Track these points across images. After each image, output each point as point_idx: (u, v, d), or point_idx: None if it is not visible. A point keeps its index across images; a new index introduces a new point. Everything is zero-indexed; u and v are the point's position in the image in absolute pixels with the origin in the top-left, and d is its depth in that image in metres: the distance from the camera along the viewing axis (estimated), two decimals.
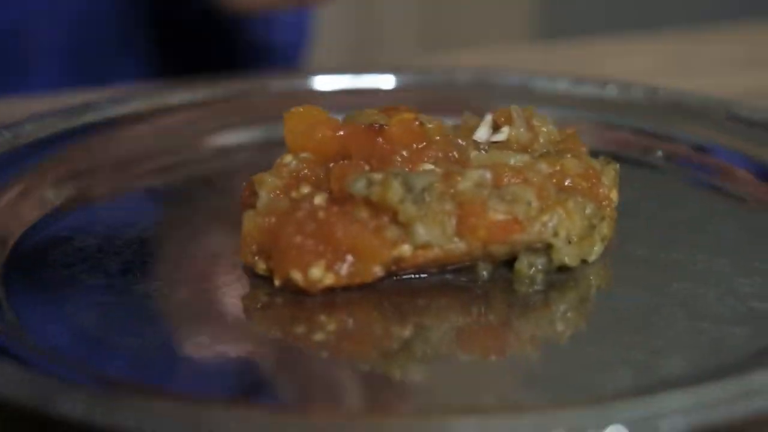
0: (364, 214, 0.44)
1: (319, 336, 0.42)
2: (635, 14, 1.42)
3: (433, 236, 0.44)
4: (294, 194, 0.46)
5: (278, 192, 0.46)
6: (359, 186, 0.44)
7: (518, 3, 1.60)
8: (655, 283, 0.45)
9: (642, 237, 0.49)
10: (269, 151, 0.58)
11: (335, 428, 0.34)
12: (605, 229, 0.47)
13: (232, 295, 0.45)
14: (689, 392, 0.35)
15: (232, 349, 0.41)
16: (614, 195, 0.49)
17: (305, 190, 0.46)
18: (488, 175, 0.45)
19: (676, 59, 0.83)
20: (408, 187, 0.43)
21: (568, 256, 0.45)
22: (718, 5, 1.48)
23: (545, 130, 0.50)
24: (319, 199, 0.44)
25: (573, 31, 1.16)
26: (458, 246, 0.44)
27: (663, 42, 0.88)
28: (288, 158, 0.47)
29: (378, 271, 0.44)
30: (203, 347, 0.41)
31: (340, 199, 0.44)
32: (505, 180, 0.45)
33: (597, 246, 0.46)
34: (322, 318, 0.43)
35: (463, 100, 0.62)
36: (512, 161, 0.46)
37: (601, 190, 0.48)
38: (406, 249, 0.44)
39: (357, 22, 1.53)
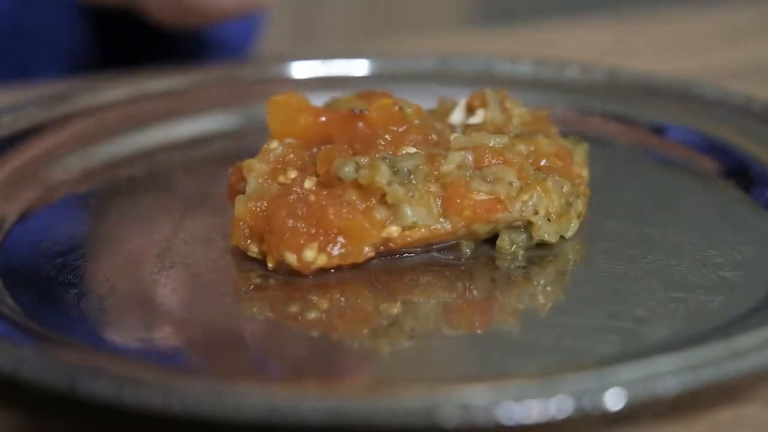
0: (353, 196, 0.45)
1: (312, 314, 0.44)
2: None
3: (420, 217, 0.46)
4: (281, 179, 0.47)
5: (266, 177, 0.47)
6: (348, 170, 0.45)
7: None
8: (630, 256, 0.47)
9: (613, 213, 0.51)
10: (245, 138, 0.60)
11: (329, 399, 0.35)
12: (580, 206, 0.49)
13: (226, 277, 0.46)
14: (679, 355, 0.37)
15: (232, 328, 0.43)
16: (585, 173, 0.51)
17: (292, 174, 0.47)
18: (470, 156, 0.47)
19: (618, 41, 0.86)
20: (395, 170, 0.45)
21: (547, 233, 0.47)
22: None
23: (518, 112, 0.51)
24: (309, 183, 0.46)
25: (507, 16, 1.18)
26: (443, 226, 0.46)
27: (607, 24, 0.91)
28: (274, 144, 0.48)
29: (368, 251, 0.46)
30: (205, 327, 0.42)
31: (328, 182, 0.46)
32: (486, 161, 0.47)
33: (573, 222, 0.48)
34: (315, 298, 0.45)
35: (426, 84, 0.64)
36: (491, 143, 0.48)
37: (574, 169, 0.50)
38: (394, 230, 0.46)
39: (296, 8, 1.54)
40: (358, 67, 0.67)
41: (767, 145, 0.55)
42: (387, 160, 0.45)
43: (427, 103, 0.53)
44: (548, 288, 0.46)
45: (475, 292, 0.46)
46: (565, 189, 0.48)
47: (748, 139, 0.56)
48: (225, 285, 0.46)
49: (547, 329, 0.42)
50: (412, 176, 0.45)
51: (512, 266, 0.47)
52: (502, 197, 0.46)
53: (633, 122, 0.61)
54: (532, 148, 0.49)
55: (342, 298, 0.45)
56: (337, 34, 1.54)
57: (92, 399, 0.35)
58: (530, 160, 0.48)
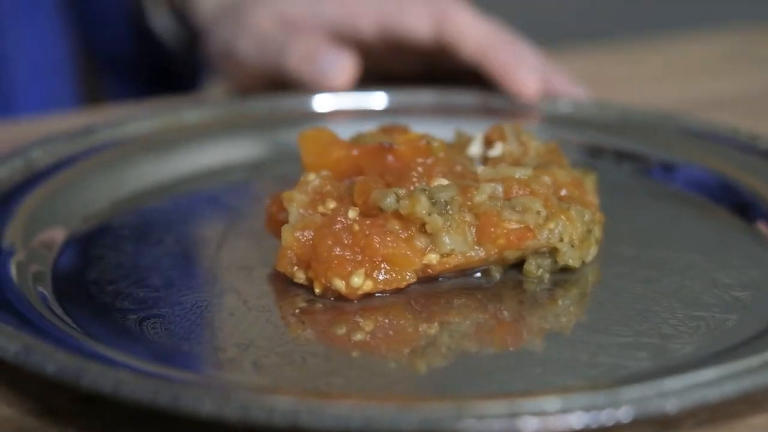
0: (395, 226, 0.49)
1: (359, 335, 0.47)
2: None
3: (457, 244, 0.49)
4: (321, 209, 0.50)
5: (306, 207, 0.50)
6: (389, 201, 0.49)
7: None
8: (645, 278, 0.51)
9: (624, 238, 0.55)
10: (263, 168, 0.64)
11: (378, 412, 0.38)
12: (597, 232, 0.52)
13: (276, 302, 0.49)
14: (720, 367, 0.41)
15: (287, 349, 0.45)
16: (596, 201, 0.55)
17: (331, 205, 0.50)
18: (500, 188, 0.50)
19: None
20: (433, 201, 0.49)
21: (571, 258, 0.51)
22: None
23: (533, 144, 0.55)
24: (352, 214, 0.49)
25: None
26: (478, 253, 0.50)
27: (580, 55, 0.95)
28: (311, 176, 0.51)
29: (410, 277, 0.49)
30: (265, 348, 0.45)
31: (367, 212, 0.49)
32: (514, 192, 0.51)
33: (593, 248, 0.52)
34: (360, 320, 0.48)
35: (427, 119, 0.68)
36: (518, 175, 0.51)
37: (587, 198, 0.54)
38: (433, 257, 0.49)
39: None
40: (375, 100, 0.70)
41: None
42: (426, 192, 0.49)
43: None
44: (574, 308, 0.50)
45: (506, 312, 0.49)
46: (587, 217, 0.51)
47: (753, 175, 0.60)
48: (276, 309, 0.49)
49: (581, 347, 0.46)
50: (448, 206, 0.49)
51: (538, 289, 0.50)
52: (531, 226, 0.50)
53: (631, 155, 0.65)
54: (550, 180, 0.52)
55: (385, 320, 0.48)
56: None
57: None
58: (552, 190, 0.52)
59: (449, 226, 0.49)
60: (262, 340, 0.46)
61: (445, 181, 0.51)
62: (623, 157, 0.65)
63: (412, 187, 0.50)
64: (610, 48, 0.98)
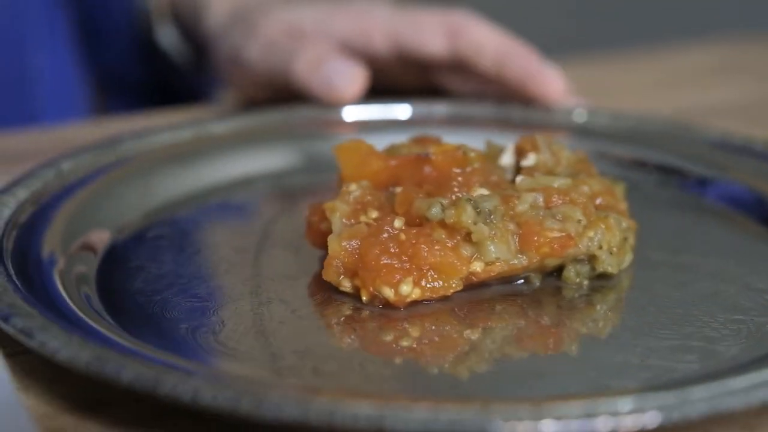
0: (442, 234, 0.50)
1: (406, 342, 0.48)
2: None
3: (501, 253, 0.50)
4: (363, 218, 0.51)
5: (349, 217, 0.51)
6: (435, 211, 0.49)
7: None
8: (680, 282, 0.52)
9: (653, 244, 0.56)
10: (286, 178, 0.64)
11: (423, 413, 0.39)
12: (632, 239, 0.54)
13: (323, 310, 0.50)
14: None
15: (343, 355, 0.46)
16: (626, 209, 0.56)
17: (373, 214, 0.51)
18: (541, 198, 0.51)
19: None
20: (478, 210, 0.50)
21: (610, 265, 0.52)
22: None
23: (565, 154, 0.56)
24: (398, 223, 0.50)
25: None
26: (520, 261, 0.51)
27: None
28: (353, 187, 0.52)
29: (456, 285, 0.50)
30: (316, 356, 0.46)
31: (410, 221, 0.50)
32: (553, 201, 0.52)
33: (628, 255, 0.53)
34: (407, 326, 0.49)
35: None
36: (556, 184, 0.52)
37: (620, 206, 0.55)
38: (478, 265, 0.50)
39: None
40: (406, 111, 0.71)
41: None
42: (471, 202, 0.50)
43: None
44: (614, 313, 0.51)
45: (547, 318, 0.50)
46: (624, 225, 0.53)
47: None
48: (325, 317, 0.49)
49: (630, 350, 0.47)
50: (492, 216, 0.50)
51: (577, 295, 0.51)
52: (573, 234, 0.51)
53: (652, 165, 0.66)
54: (588, 189, 0.54)
55: (433, 327, 0.49)
56: None
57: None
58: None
59: (494, 234, 0.50)
60: (318, 347, 0.47)
61: (485, 191, 0.52)
62: (642, 166, 0.66)
63: (453, 197, 0.51)
64: (602, 59, 1.00)
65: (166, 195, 0.61)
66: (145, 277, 0.52)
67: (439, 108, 0.71)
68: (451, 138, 0.59)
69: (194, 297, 0.51)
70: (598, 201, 0.54)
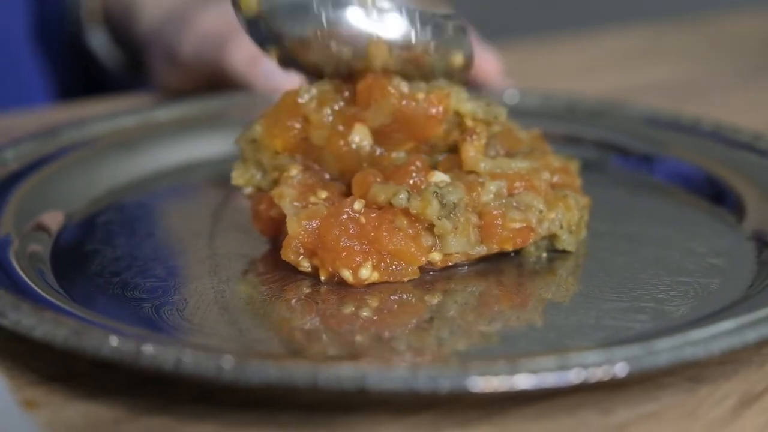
0: (404, 222, 0.50)
1: (366, 312, 0.49)
2: None
3: (461, 246, 0.51)
4: (313, 199, 0.52)
5: (298, 200, 0.52)
6: (401, 199, 0.50)
7: None
8: (626, 250, 0.54)
9: (597, 216, 0.58)
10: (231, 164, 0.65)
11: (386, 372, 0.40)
12: (586, 216, 0.55)
13: (283, 287, 0.50)
14: (735, 319, 0.44)
15: (310, 327, 0.47)
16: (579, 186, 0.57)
17: (323, 194, 0.52)
18: (504, 186, 0.52)
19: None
20: (443, 203, 0.50)
21: (569, 244, 0.53)
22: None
23: (521, 134, 0.57)
24: (358, 205, 0.50)
25: None
26: (479, 250, 0.52)
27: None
28: (293, 171, 0.53)
29: (413, 272, 0.51)
30: (283, 329, 0.47)
31: (369, 204, 0.51)
32: (515, 187, 0.52)
33: (584, 231, 0.55)
34: (368, 298, 0.49)
35: None
36: (516, 166, 0.53)
37: (575, 183, 0.56)
38: (436, 256, 0.51)
39: None
40: None
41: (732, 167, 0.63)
42: (437, 195, 0.50)
43: None
44: (571, 279, 0.52)
45: (506, 284, 0.51)
46: (581, 203, 0.54)
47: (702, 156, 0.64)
48: (285, 293, 0.50)
49: (584, 313, 0.48)
50: (457, 209, 0.50)
51: (534, 263, 0.53)
52: (533, 224, 0.52)
53: (579, 141, 0.68)
54: (537, 165, 0.55)
55: (390, 296, 0.50)
56: None
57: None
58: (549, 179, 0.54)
59: (456, 229, 0.51)
60: (282, 321, 0.47)
61: (446, 177, 0.52)
62: (578, 143, 0.68)
63: (411, 182, 0.51)
64: (527, 45, 1.02)
65: (112, 181, 0.61)
66: (101, 261, 0.53)
67: None
68: None
69: (153, 277, 0.51)
70: (555, 178, 0.55)
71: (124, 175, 0.62)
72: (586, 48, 1.01)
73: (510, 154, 0.55)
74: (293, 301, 0.49)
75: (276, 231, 0.54)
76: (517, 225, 0.52)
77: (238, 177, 0.55)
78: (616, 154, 0.67)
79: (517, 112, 0.70)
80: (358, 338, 0.46)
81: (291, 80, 0.69)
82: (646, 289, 0.50)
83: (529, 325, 0.48)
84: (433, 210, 0.50)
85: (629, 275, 0.52)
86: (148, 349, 0.40)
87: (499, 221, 0.51)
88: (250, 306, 0.49)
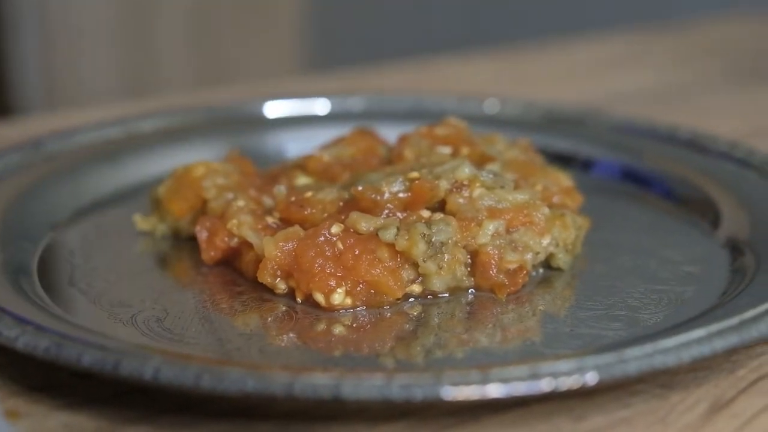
0: (385, 254, 0.50)
1: (339, 329, 0.49)
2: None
3: (445, 283, 0.51)
4: (270, 220, 0.53)
5: (255, 225, 0.52)
6: (389, 235, 0.50)
7: (280, 38, 1.68)
8: (604, 258, 0.55)
9: None
10: None
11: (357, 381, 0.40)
12: (582, 235, 0.55)
13: (262, 297, 0.51)
14: (707, 327, 0.44)
15: (285, 338, 0.48)
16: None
17: (271, 219, 0.53)
18: (503, 226, 0.51)
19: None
20: (429, 243, 0.50)
21: (565, 262, 0.54)
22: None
23: (499, 148, 0.58)
24: (336, 229, 0.50)
25: (336, 62, 1.26)
26: (466, 282, 0.51)
27: (487, 60, 1.00)
28: (240, 203, 0.54)
29: (390, 301, 0.50)
30: (261, 338, 0.47)
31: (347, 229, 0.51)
32: (515, 224, 0.52)
33: (579, 249, 0.55)
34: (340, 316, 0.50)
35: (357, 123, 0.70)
36: (512, 198, 0.52)
37: (575, 203, 0.57)
38: (416, 288, 0.51)
39: (130, 58, 1.57)
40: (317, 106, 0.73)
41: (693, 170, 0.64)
42: (424, 236, 0.50)
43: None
44: (547, 287, 0.53)
45: (482, 295, 0.51)
46: (578, 222, 0.54)
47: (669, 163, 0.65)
48: (265, 303, 0.51)
49: (560, 321, 0.49)
50: (443, 248, 0.50)
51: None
52: (528, 266, 0.52)
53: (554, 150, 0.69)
54: (539, 188, 0.55)
55: (366, 313, 0.50)
56: (171, 84, 1.58)
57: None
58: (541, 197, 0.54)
59: (440, 269, 0.50)
60: (261, 330, 0.48)
61: (436, 215, 0.51)
62: (553, 154, 0.68)
63: (386, 214, 0.51)
64: (516, 51, 1.03)
65: (96, 192, 0.62)
66: (84, 271, 0.53)
67: (357, 102, 0.73)
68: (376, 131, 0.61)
69: (135, 288, 0.52)
70: (554, 199, 0.55)
71: (109, 186, 0.63)
72: (570, 54, 1.02)
73: (485, 163, 0.55)
74: (272, 311, 0.50)
75: (230, 256, 0.54)
76: (513, 266, 0.51)
77: (141, 223, 0.58)
78: (594, 162, 0.67)
79: (497, 121, 0.71)
80: (336, 348, 0.47)
81: None
82: (621, 297, 0.51)
83: (504, 333, 0.48)
84: (418, 251, 0.50)
85: (605, 283, 0.52)
86: (127, 359, 0.41)
87: (494, 261, 0.51)
88: (230, 315, 0.50)
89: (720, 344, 0.43)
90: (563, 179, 0.57)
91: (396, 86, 0.85)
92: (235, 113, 0.70)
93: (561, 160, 0.67)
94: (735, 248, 0.56)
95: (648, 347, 0.43)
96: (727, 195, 0.61)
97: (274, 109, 0.72)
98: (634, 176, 0.65)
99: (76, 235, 0.58)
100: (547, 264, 0.54)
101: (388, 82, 0.92)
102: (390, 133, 0.62)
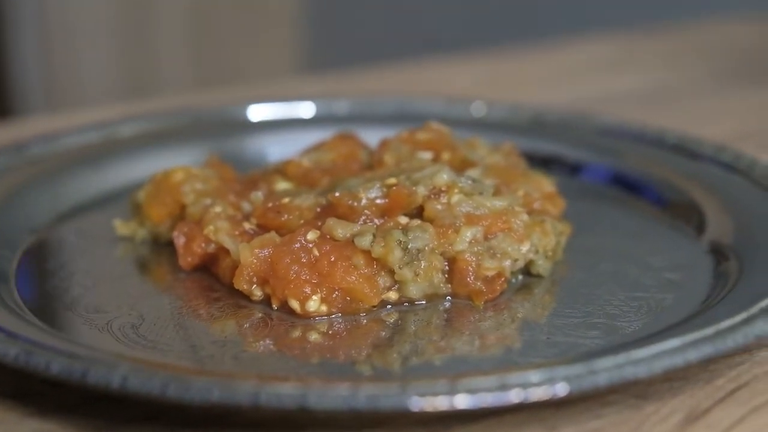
0: (360, 260, 0.50)
1: (314, 336, 0.49)
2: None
3: (422, 290, 0.50)
4: (248, 226, 0.53)
5: (232, 232, 0.52)
6: (365, 241, 0.50)
7: (280, 38, 1.68)
8: (585, 265, 0.55)
9: None
10: None
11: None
12: (563, 241, 0.55)
13: (237, 306, 0.51)
14: (684, 337, 0.44)
15: (260, 345, 0.47)
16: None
17: (248, 226, 0.53)
18: (481, 232, 0.51)
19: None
20: (406, 250, 0.50)
21: (544, 269, 0.53)
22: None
23: (482, 153, 0.58)
24: (312, 235, 0.50)
25: (335, 63, 1.25)
26: (443, 289, 0.51)
27: (474, 63, 0.99)
28: (217, 209, 0.53)
29: (366, 308, 0.50)
30: (235, 345, 0.47)
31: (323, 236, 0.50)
32: (493, 230, 0.51)
33: (559, 255, 0.54)
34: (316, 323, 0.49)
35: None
36: (491, 204, 0.52)
37: (557, 209, 0.56)
38: (392, 295, 0.50)
39: (128, 58, 1.57)
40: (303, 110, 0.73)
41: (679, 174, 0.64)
42: (401, 243, 0.49)
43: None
44: (525, 294, 0.52)
45: (460, 302, 0.51)
46: (558, 228, 0.54)
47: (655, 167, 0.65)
48: (240, 310, 0.50)
49: (537, 328, 0.49)
50: (420, 255, 0.50)
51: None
52: (506, 273, 0.51)
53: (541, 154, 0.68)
54: (521, 193, 0.55)
55: (341, 320, 0.49)
56: (170, 86, 1.58)
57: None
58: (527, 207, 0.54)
59: (417, 276, 0.50)
60: (235, 337, 0.48)
61: (413, 221, 0.51)
62: (539, 157, 0.68)
63: (366, 221, 0.51)
64: (505, 53, 1.03)
65: (77, 197, 0.62)
66: (63, 277, 0.53)
67: (342, 105, 0.73)
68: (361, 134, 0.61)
69: (113, 294, 0.52)
70: (535, 205, 0.55)
71: (90, 190, 0.63)
72: (559, 56, 1.02)
73: (467, 168, 0.55)
74: (248, 318, 0.50)
75: (207, 262, 0.54)
76: (491, 273, 0.51)
77: (121, 228, 0.58)
78: (581, 166, 0.67)
79: (484, 125, 0.71)
80: (311, 356, 0.47)
81: None
82: (599, 305, 0.51)
83: (480, 341, 0.48)
84: (394, 258, 0.49)
85: (584, 291, 0.52)
86: (95, 368, 0.41)
87: (471, 268, 0.51)
88: (205, 323, 0.49)
89: (694, 355, 0.43)
90: (546, 184, 0.57)
91: (389, 88, 0.85)
92: (218, 117, 0.70)
93: (548, 163, 0.67)
94: (719, 253, 0.55)
95: (620, 357, 0.42)
96: (712, 199, 0.60)
97: (258, 112, 0.71)
98: (621, 180, 0.65)
99: (56, 240, 0.58)
100: (527, 271, 0.53)
101: (381, 84, 0.91)
102: (375, 137, 0.61)
